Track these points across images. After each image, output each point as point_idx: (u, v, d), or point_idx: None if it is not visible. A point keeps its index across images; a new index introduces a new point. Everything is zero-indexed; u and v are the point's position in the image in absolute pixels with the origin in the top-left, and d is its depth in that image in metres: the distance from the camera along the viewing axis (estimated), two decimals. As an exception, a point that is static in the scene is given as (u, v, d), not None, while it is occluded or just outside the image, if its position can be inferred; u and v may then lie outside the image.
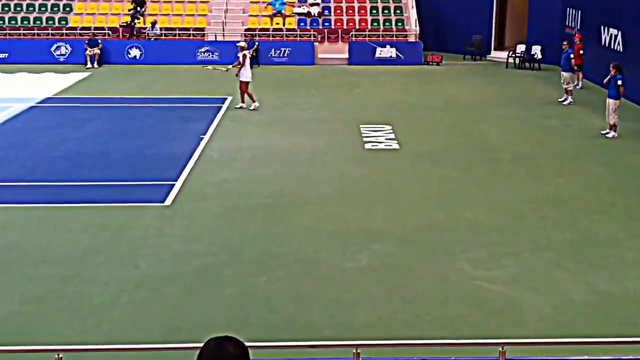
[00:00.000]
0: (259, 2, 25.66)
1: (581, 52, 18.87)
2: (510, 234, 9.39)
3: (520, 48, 23.36)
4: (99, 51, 23.09)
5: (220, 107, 16.98)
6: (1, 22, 24.86)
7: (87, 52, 22.96)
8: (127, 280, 8.00)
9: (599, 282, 8.00)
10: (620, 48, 18.35)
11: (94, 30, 24.10)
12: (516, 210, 10.31)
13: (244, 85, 16.58)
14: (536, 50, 22.95)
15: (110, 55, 23.50)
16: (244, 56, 16.53)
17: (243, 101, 16.71)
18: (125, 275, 8.12)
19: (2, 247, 8.94)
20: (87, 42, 23.19)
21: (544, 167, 12.50)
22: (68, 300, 7.54)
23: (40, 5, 25.32)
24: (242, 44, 17.30)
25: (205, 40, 24.32)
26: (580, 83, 19.44)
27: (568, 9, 22.38)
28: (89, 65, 22.82)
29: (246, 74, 16.50)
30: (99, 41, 23.31)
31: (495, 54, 25.21)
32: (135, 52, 23.67)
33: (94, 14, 25.16)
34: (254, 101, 16.65)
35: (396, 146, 13.70)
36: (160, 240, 9.11)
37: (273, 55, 23.45)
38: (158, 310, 7.39)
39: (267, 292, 7.74)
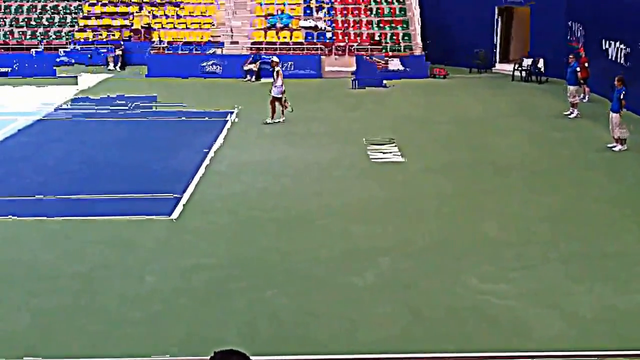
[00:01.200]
0: (264, 16, 25.81)
1: (586, 64, 18.89)
2: (518, 247, 9.33)
3: (526, 61, 23.39)
4: (121, 53, 23.12)
5: (227, 121, 16.99)
6: (8, 36, 25.08)
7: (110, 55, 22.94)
8: (135, 294, 7.95)
9: (609, 296, 7.93)
10: (624, 61, 18.35)
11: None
12: (524, 223, 10.24)
13: (275, 100, 16.56)
14: (540, 63, 22.98)
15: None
16: (278, 72, 16.53)
17: (283, 114, 16.71)
18: (133, 289, 8.08)
19: (11, 260, 8.93)
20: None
21: (552, 180, 12.43)
22: (77, 314, 7.51)
23: (47, 19, 25.54)
24: (275, 59, 17.08)
25: (211, 54, 24.44)
26: (587, 96, 19.41)
27: (571, 22, 22.43)
28: (111, 66, 22.79)
29: (276, 90, 16.49)
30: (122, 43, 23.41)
31: (500, 67, 25.26)
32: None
33: (96, 27, 25.34)
34: (272, 117, 16.61)
35: (402, 159, 13.65)
36: (168, 254, 9.08)
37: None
38: (166, 324, 7.35)
39: (275, 307, 7.68)
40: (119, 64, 22.85)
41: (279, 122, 16.67)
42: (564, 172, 12.96)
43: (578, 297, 7.90)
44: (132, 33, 24.25)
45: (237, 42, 24.70)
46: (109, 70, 22.60)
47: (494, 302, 7.75)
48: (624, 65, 18.21)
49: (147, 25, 24.37)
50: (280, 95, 16.50)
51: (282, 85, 16.46)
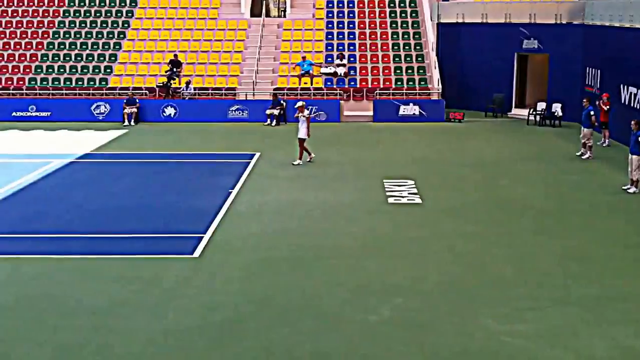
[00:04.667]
0: (287, 63, 26.76)
1: (606, 108, 19.11)
2: (533, 289, 9.36)
3: (541, 106, 23.84)
4: (136, 110, 24.25)
5: (249, 163, 17.48)
6: (45, 82, 26.28)
7: (125, 110, 24.13)
8: (155, 331, 8.12)
9: (624, 338, 7.91)
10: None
11: (132, 90, 25.36)
12: (539, 265, 10.31)
13: (301, 142, 17.21)
14: (556, 107, 23.42)
15: (146, 114, 24.60)
16: (308, 117, 17.17)
17: (300, 157, 17.26)
18: (153, 326, 8.25)
19: (36, 296, 9.21)
20: (125, 101, 24.41)
21: (567, 222, 12.54)
22: (97, 351, 7.70)
23: (82, 67, 26.76)
24: (300, 103, 17.59)
25: (237, 99, 25.35)
26: (607, 141, 19.62)
27: (587, 68, 22.92)
28: (126, 123, 23.95)
29: (302, 132, 17.12)
30: (137, 100, 24.51)
31: (516, 112, 25.70)
32: (170, 111, 24.76)
33: (132, 75, 26.47)
34: (299, 158, 17.24)
35: (419, 201, 13.89)
36: (188, 292, 9.29)
37: (301, 113, 24.25)
38: (182, 362, 7.51)
39: (290, 346, 7.79)
40: (133, 120, 23.93)
41: (299, 164, 17.13)
42: (579, 215, 13.08)
43: (594, 339, 7.91)
44: (147, 91, 25.37)
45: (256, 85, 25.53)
46: (124, 125, 23.65)
47: (509, 343, 7.76)
48: (639, 110, 18.51)
49: (162, 84, 25.40)
50: (303, 137, 17.09)
51: (305, 127, 17.01)
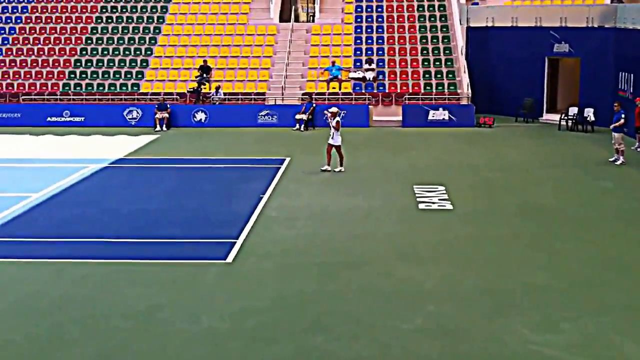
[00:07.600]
0: (316, 68, 26.92)
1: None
2: (567, 297, 9.36)
3: (573, 110, 23.64)
4: (167, 115, 24.62)
5: (280, 168, 17.64)
6: (79, 88, 26.85)
7: (157, 115, 24.50)
8: (190, 335, 8.22)
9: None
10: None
11: (163, 95, 25.75)
12: (573, 273, 10.28)
13: (334, 149, 16.96)
14: (589, 112, 23.19)
15: (177, 119, 24.96)
16: (338, 122, 16.94)
17: (342, 164, 17.08)
18: (188, 330, 8.36)
19: (75, 300, 9.37)
20: (156, 106, 24.78)
21: (600, 229, 12.49)
22: (135, 354, 7.84)
23: (115, 73, 27.27)
24: (334, 109, 17.41)
25: (266, 104, 25.58)
26: None
27: (620, 72, 22.66)
28: (158, 128, 24.32)
29: (337, 139, 16.93)
30: (168, 106, 24.88)
31: (547, 117, 25.53)
32: (200, 116, 25.09)
33: (163, 80, 26.89)
34: (328, 164, 17.06)
35: (450, 207, 13.89)
36: (222, 296, 9.40)
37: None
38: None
39: (323, 352, 7.84)
40: (164, 125, 24.29)
41: (341, 170, 17.00)
42: (612, 221, 13.00)
43: (628, 348, 7.84)
44: (178, 96, 25.74)
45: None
46: (156, 131, 24.01)
47: (543, 353, 7.72)
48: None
49: (192, 90, 25.75)
50: (337, 144, 16.94)
51: (337, 134, 16.85)
